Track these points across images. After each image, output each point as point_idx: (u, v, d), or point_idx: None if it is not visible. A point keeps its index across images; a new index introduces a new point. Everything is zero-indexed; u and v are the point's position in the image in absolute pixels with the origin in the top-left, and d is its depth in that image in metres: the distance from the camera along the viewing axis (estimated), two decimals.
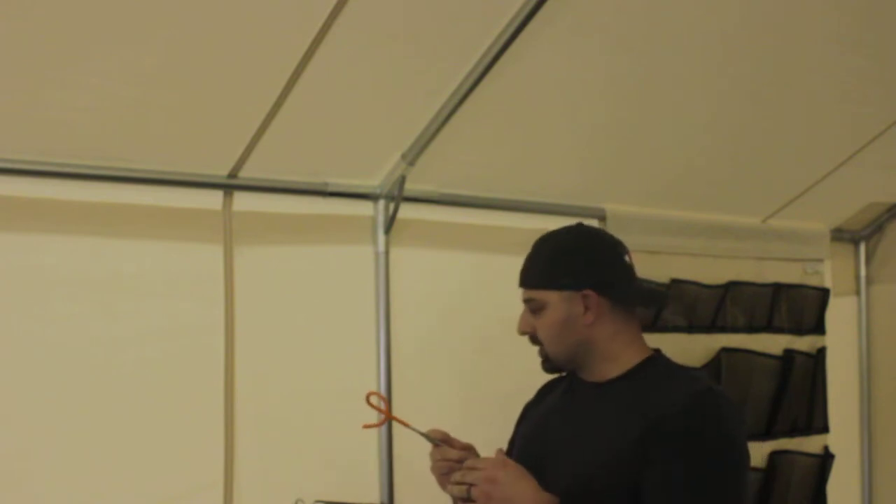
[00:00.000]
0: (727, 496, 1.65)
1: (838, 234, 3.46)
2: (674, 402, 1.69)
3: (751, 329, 3.16)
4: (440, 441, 1.86)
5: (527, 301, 1.85)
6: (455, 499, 1.76)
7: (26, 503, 1.99)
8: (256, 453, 2.24)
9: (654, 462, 1.64)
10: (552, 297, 1.80)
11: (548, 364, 1.86)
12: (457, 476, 1.70)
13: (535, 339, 1.86)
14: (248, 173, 2.19)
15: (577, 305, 1.79)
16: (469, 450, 1.88)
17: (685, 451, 1.64)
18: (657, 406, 1.69)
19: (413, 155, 2.29)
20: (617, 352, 1.82)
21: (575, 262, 1.82)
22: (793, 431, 3.25)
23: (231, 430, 2.20)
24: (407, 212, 2.40)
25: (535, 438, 1.90)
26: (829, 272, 3.42)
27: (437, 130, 2.23)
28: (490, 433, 2.31)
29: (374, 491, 2.41)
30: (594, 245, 1.85)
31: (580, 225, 1.91)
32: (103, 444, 2.06)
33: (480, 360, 2.56)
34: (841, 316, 3.47)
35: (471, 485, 1.68)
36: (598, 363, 1.82)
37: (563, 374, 2.02)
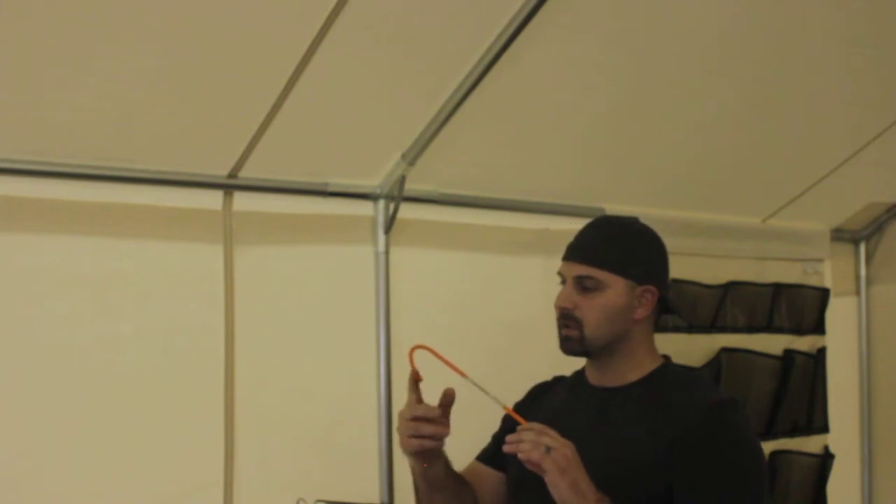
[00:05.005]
0: (758, 498, 1.71)
1: (838, 234, 3.45)
2: (698, 412, 1.72)
3: (751, 329, 3.16)
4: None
5: (581, 277, 1.80)
6: (416, 459, 1.72)
7: (26, 503, 1.99)
8: (256, 453, 2.24)
9: (685, 471, 1.67)
10: (616, 282, 1.79)
11: (576, 344, 1.81)
12: (529, 435, 1.58)
13: (569, 317, 1.80)
14: (248, 173, 2.19)
15: (635, 298, 1.80)
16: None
17: (717, 459, 1.68)
18: (681, 415, 1.72)
19: (413, 155, 2.29)
20: (640, 356, 1.84)
21: (647, 256, 1.84)
22: (793, 431, 3.25)
23: (231, 430, 2.20)
24: (407, 212, 2.40)
25: None
26: (829, 272, 3.42)
27: (437, 130, 2.23)
28: (490, 433, 2.30)
29: (374, 491, 2.41)
30: (661, 246, 1.87)
31: (640, 221, 1.90)
32: (103, 444, 2.06)
33: (481, 360, 2.55)
34: (841, 316, 3.47)
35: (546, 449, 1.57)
36: (617, 363, 1.82)
37: (557, 376, 2.02)
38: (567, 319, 1.81)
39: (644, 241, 1.86)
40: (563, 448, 1.58)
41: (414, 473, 1.80)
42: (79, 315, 2.05)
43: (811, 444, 3.29)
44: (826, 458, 3.31)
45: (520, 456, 1.58)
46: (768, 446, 3.16)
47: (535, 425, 1.61)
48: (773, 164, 2.90)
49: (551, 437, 1.59)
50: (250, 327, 2.24)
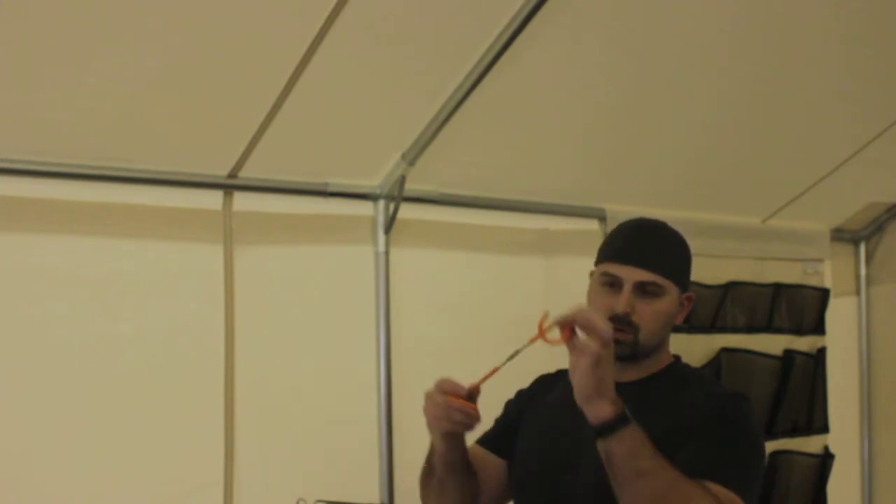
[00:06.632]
0: (750, 481, 1.69)
1: (838, 234, 3.46)
2: (706, 407, 1.73)
3: (751, 329, 3.16)
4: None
5: (644, 283, 1.78)
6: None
7: (26, 503, 1.99)
8: (256, 453, 2.24)
9: (686, 449, 1.66)
10: (673, 289, 1.81)
11: (627, 349, 1.78)
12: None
13: (624, 321, 1.77)
14: (248, 173, 2.19)
15: (679, 304, 1.83)
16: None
17: (719, 438, 1.69)
18: (686, 412, 1.73)
19: (413, 155, 2.29)
20: (661, 356, 1.85)
21: (689, 263, 1.89)
22: (793, 431, 3.25)
23: (231, 430, 2.20)
24: (407, 212, 2.40)
25: (558, 432, 1.87)
26: (829, 272, 3.42)
27: (437, 130, 2.23)
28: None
29: (374, 491, 2.41)
30: (691, 252, 1.92)
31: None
32: (103, 444, 2.06)
33: (481, 360, 2.56)
34: (841, 316, 3.47)
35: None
36: (641, 363, 1.83)
37: (561, 369, 2.01)
38: (620, 323, 1.76)
39: (685, 248, 1.90)
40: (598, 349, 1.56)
41: (433, 453, 1.79)
42: (79, 315, 2.05)
43: (811, 445, 3.30)
44: (826, 458, 3.31)
45: (583, 318, 1.55)
46: (768, 446, 3.15)
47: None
48: (773, 164, 2.90)
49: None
50: (250, 327, 2.24)
